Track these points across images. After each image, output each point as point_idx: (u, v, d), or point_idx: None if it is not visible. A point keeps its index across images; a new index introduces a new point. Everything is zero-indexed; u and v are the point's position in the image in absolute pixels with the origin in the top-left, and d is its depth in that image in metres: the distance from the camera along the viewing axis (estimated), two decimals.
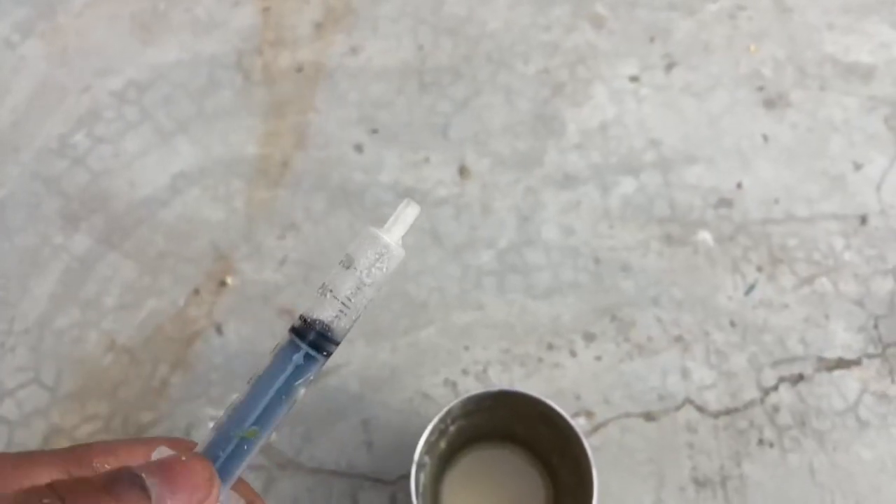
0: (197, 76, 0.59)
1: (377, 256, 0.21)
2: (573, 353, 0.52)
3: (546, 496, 0.46)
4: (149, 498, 0.18)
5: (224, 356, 0.51)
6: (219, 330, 0.51)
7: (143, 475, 0.19)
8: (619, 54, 0.60)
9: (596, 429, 0.50)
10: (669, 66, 0.60)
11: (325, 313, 0.21)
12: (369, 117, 0.58)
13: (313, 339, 0.21)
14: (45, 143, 0.57)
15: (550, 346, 0.52)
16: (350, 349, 0.51)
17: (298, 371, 0.21)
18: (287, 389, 0.21)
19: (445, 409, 0.39)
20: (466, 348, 0.52)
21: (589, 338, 0.52)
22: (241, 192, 0.56)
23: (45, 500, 0.18)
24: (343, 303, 0.21)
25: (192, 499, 0.19)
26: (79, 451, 0.22)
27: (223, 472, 0.20)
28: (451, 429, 0.43)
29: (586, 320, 0.53)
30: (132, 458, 0.22)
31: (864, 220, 0.55)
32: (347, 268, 0.21)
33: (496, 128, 0.58)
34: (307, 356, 0.21)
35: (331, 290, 0.21)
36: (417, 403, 0.50)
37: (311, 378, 0.22)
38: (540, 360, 0.52)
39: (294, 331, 0.21)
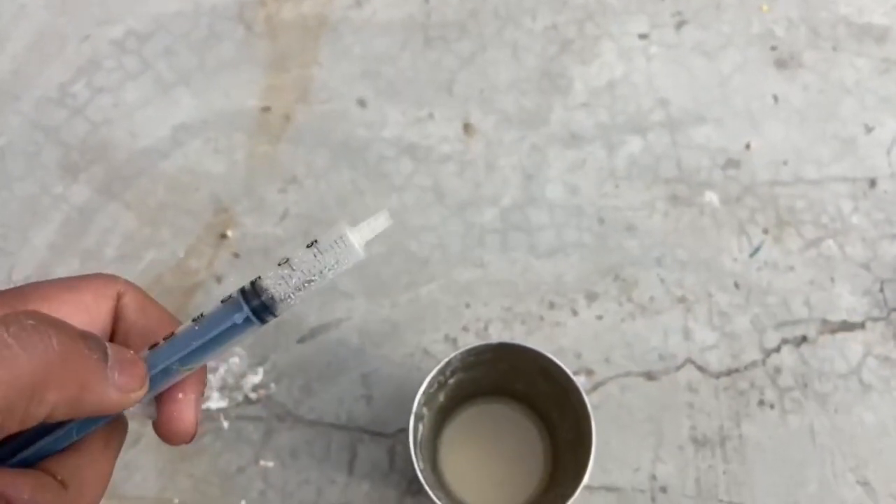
0: (198, 27, 0.58)
1: (339, 250, 0.22)
2: (575, 312, 0.51)
3: (544, 451, 0.46)
4: (107, 361, 0.21)
5: None
6: (219, 281, 0.51)
7: (106, 344, 0.21)
8: (628, 11, 0.59)
9: (596, 387, 0.49)
10: (680, 24, 0.59)
11: (276, 287, 0.22)
12: (373, 72, 0.57)
13: (257, 305, 0.22)
14: (44, 92, 0.56)
15: (552, 305, 0.51)
16: (351, 304, 0.51)
17: (234, 329, 0.23)
18: (220, 340, 0.23)
19: (445, 361, 0.39)
20: (468, 305, 0.51)
21: (591, 297, 0.52)
22: (243, 145, 0.55)
23: (30, 322, 0.19)
24: (297, 284, 0.22)
25: (130, 383, 0.21)
26: (11, 297, 0.22)
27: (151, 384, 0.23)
28: (451, 382, 0.43)
29: (589, 280, 0.52)
30: (68, 308, 0.23)
31: (873, 183, 0.55)
32: (309, 248, 0.22)
33: (502, 84, 0.57)
34: (247, 319, 0.22)
35: (290, 267, 0.22)
36: (418, 359, 0.50)
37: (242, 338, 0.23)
38: (541, 318, 0.51)
39: (243, 293, 0.23)
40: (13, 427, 0.19)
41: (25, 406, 0.18)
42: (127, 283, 0.25)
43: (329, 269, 0.22)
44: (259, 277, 0.22)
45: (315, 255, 0.22)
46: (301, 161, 0.55)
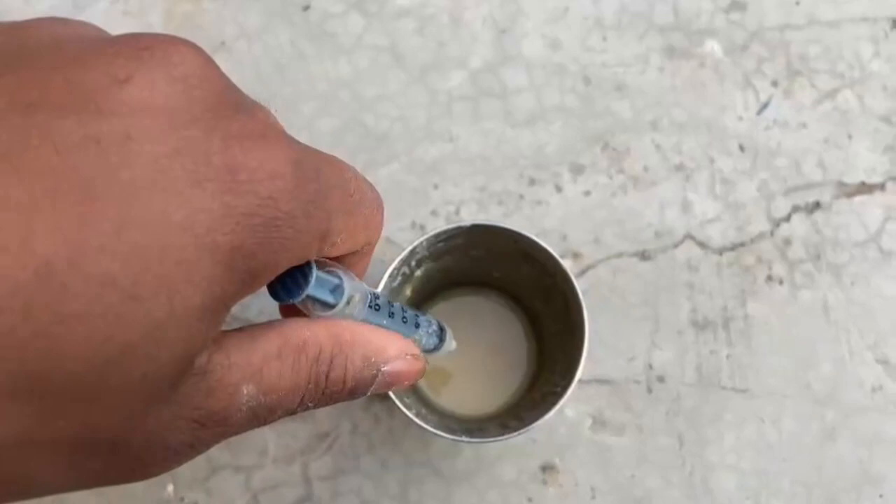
0: None
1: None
2: (559, 188, 0.45)
3: (528, 345, 0.40)
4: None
5: None
6: None
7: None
8: None
9: (584, 271, 0.44)
10: None
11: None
12: None
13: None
14: None
15: (532, 181, 0.45)
16: None
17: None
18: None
19: (408, 249, 0.33)
20: (435, 186, 0.45)
21: (577, 170, 0.45)
22: (158, 4, 0.46)
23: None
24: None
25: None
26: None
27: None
28: (418, 273, 0.37)
29: (574, 150, 0.45)
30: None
31: (895, 23, 0.47)
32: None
33: None
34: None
35: None
36: (380, 249, 0.43)
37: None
38: (521, 197, 0.45)
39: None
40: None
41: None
42: None
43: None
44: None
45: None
46: (229, 21, 0.46)
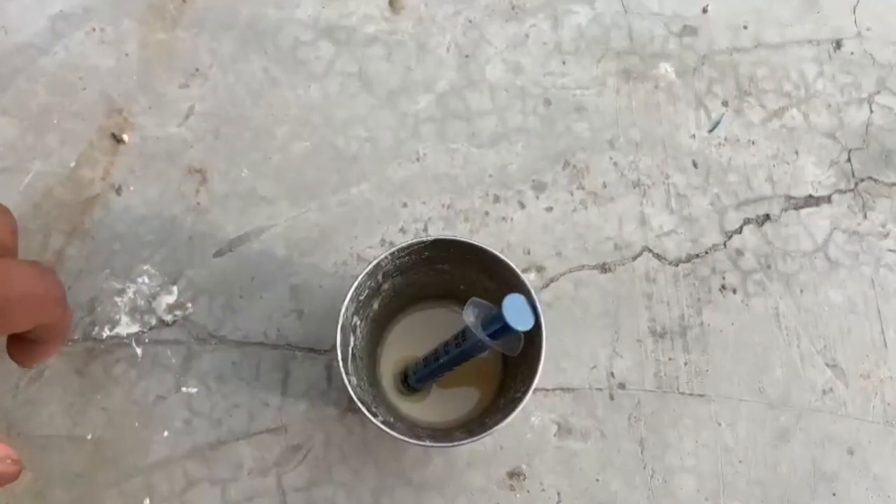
0: None
1: None
2: (522, 205, 0.47)
3: (493, 355, 0.42)
4: None
5: (127, 222, 0.44)
6: (118, 192, 0.45)
7: None
8: None
9: (548, 284, 0.46)
10: None
11: None
12: None
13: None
14: None
15: (497, 199, 0.47)
16: (273, 210, 0.45)
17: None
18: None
19: (373, 263, 0.34)
20: (404, 205, 0.46)
21: (539, 187, 0.47)
22: (134, 33, 0.47)
23: None
24: None
25: None
26: None
27: None
28: (385, 287, 0.38)
29: (536, 168, 0.47)
30: None
31: (838, 44, 0.50)
32: None
33: None
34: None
35: None
36: (352, 266, 0.45)
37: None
38: (486, 213, 0.47)
39: None
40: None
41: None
42: None
43: None
44: None
45: None
46: (203, 49, 0.47)
